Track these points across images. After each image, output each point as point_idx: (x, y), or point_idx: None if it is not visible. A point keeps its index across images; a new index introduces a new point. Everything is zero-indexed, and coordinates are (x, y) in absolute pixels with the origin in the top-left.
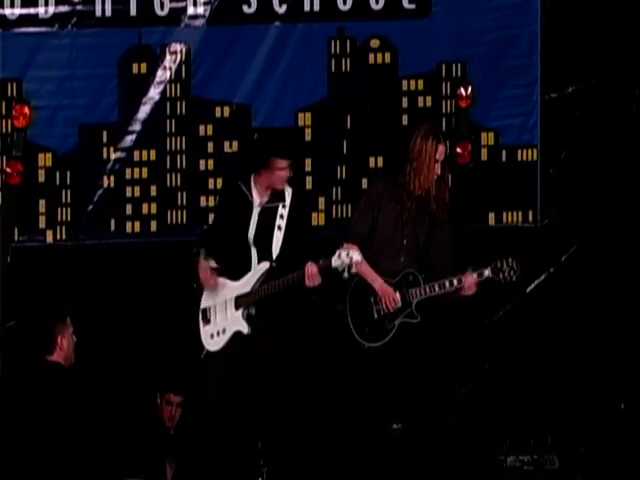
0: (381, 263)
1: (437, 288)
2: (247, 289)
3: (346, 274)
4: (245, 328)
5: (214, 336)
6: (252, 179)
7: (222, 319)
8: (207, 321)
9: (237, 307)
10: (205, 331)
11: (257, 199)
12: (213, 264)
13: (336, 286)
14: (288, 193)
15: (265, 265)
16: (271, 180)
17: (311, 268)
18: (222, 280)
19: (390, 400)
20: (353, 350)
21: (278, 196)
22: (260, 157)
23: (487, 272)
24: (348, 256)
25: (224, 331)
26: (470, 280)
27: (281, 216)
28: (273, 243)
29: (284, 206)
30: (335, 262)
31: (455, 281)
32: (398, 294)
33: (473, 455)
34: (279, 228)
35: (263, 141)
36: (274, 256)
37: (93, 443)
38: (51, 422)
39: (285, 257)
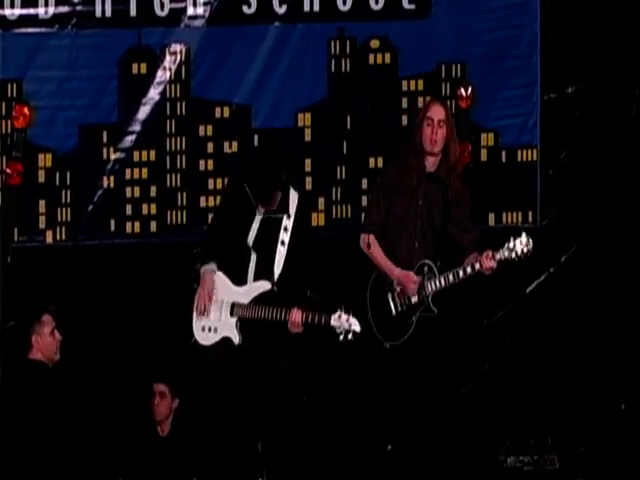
0: (397, 250)
1: (451, 278)
2: (244, 301)
3: (342, 338)
4: (236, 338)
5: (205, 330)
6: None
7: (216, 317)
8: (201, 313)
9: (232, 314)
10: (198, 322)
11: (260, 205)
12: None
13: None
14: (293, 201)
15: (266, 285)
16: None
17: (296, 315)
18: (224, 278)
19: (399, 399)
20: (369, 348)
21: (282, 205)
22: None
23: (499, 255)
24: (347, 322)
25: (215, 330)
26: (488, 262)
27: (285, 229)
28: (275, 260)
29: (288, 217)
30: (334, 322)
31: (469, 269)
32: (417, 277)
33: (473, 455)
34: (282, 243)
35: (249, 178)
36: (276, 276)
37: (76, 439)
38: (34, 419)
39: (287, 277)
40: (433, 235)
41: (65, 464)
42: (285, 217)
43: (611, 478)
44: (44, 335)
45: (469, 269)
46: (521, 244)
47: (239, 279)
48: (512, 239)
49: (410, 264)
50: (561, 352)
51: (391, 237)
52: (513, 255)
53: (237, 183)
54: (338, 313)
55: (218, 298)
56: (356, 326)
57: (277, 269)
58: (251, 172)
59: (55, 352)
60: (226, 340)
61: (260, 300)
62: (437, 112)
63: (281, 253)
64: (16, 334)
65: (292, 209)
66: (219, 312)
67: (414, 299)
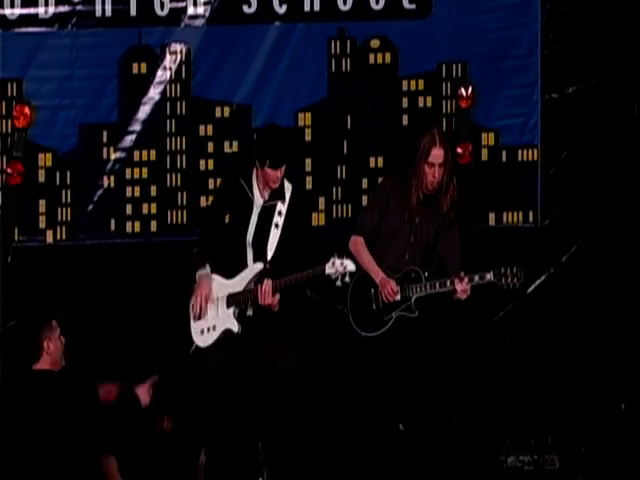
0: (386, 258)
1: (438, 286)
2: (239, 288)
3: (339, 283)
4: (235, 327)
5: (204, 332)
6: (253, 176)
7: (213, 316)
8: (198, 317)
9: (228, 305)
10: (195, 327)
11: (258, 197)
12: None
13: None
14: (288, 190)
15: (259, 266)
16: (265, 180)
17: (266, 285)
18: (216, 277)
19: (385, 395)
20: (350, 342)
21: (278, 194)
22: (256, 158)
23: (489, 276)
24: (342, 265)
25: (214, 328)
26: (463, 285)
27: (279, 213)
28: (269, 242)
29: (283, 202)
30: (328, 269)
31: (457, 280)
32: (397, 286)
33: (473, 455)
34: (276, 226)
35: (258, 145)
36: (269, 256)
37: (87, 448)
38: (45, 429)
39: (280, 258)
40: (425, 250)
41: (66, 470)
42: (280, 202)
43: (611, 478)
44: (55, 340)
45: (457, 281)
46: (512, 273)
47: (236, 275)
48: (504, 267)
49: (397, 272)
50: (561, 352)
51: (381, 246)
52: (503, 281)
53: (232, 180)
54: (332, 260)
55: (213, 298)
56: (351, 266)
57: (270, 251)
58: (268, 134)
59: (62, 357)
60: (227, 334)
61: (256, 283)
62: (438, 157)
63: (274, 235)
64: (19, 339)
65: (287, 196)
66: (215, 309)
67: (397, 297)
